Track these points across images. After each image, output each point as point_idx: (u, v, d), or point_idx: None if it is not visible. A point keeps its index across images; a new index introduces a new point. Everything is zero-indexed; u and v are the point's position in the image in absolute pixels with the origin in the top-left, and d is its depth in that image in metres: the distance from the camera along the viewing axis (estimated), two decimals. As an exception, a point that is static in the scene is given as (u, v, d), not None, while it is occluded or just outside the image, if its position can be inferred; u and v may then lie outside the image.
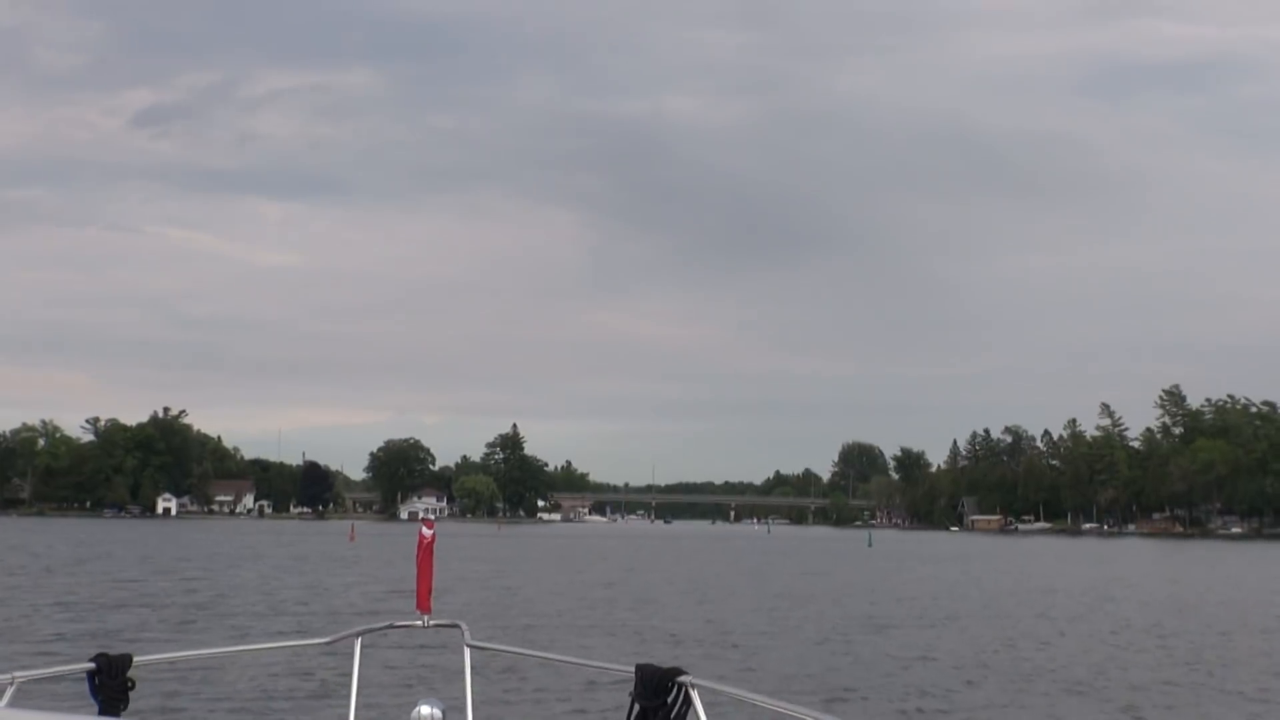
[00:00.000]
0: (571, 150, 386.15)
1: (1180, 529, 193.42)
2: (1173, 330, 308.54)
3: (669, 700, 4.57)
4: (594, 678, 20.46)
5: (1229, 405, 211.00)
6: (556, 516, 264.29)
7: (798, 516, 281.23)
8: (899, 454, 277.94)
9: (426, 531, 6.09)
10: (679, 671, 4.46)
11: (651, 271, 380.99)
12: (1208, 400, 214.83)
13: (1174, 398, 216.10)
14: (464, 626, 5.56)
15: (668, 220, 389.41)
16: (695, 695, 4.43)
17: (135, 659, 4.78)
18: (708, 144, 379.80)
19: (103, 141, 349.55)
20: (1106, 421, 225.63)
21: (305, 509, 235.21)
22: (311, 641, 6.83)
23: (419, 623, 5.68)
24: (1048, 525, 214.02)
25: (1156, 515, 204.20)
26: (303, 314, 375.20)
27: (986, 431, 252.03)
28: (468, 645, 5.46)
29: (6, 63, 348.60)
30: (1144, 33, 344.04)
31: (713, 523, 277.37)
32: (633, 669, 4.59)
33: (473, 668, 5.29)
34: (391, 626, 6.03)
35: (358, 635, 5.72)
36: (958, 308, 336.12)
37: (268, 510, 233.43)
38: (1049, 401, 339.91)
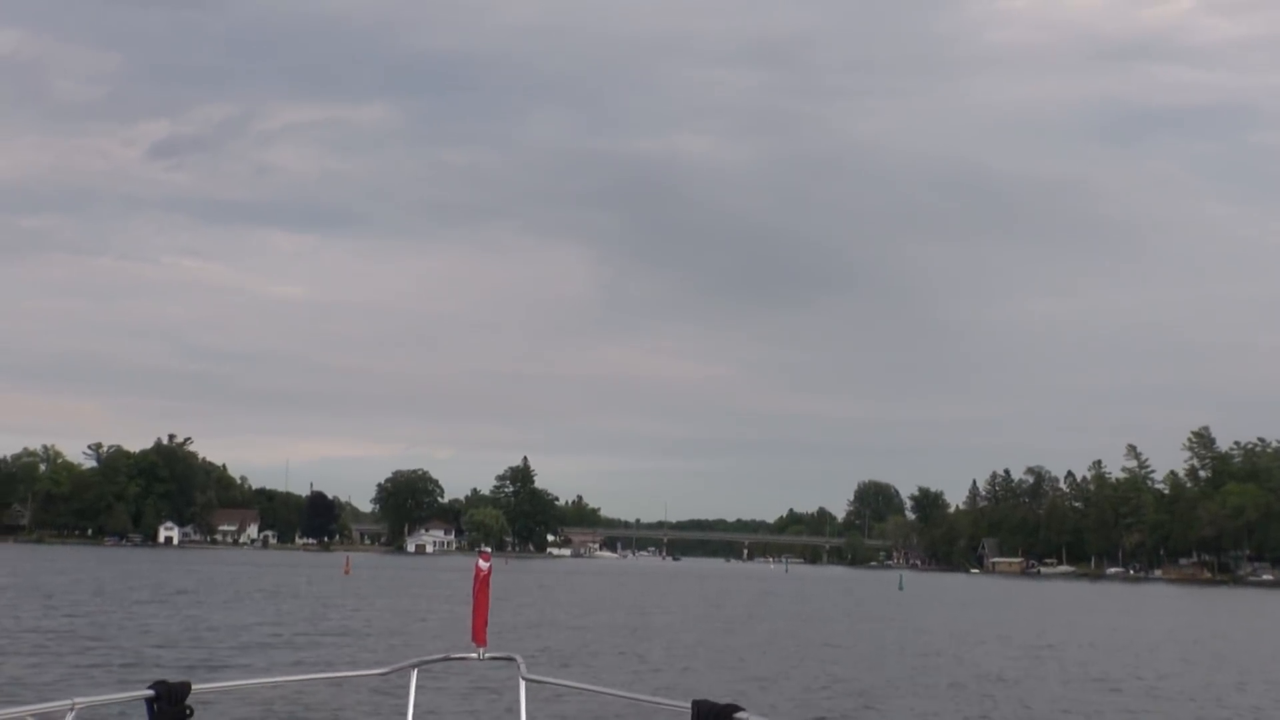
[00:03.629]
0: (584, 188, 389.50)
1: (1208, 575, 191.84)
2: (1189, 375, 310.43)
3: None
4: (649, 714, 20.56)
5: (1259, 448, 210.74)
6: (566, 551, 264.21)
7: (812, 556, 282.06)
8: (916, 494, 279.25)
9: (483, 564, 6.16)
10: (736, 708, 4.41)
11: (663, 309, 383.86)
12: (1236, 443, 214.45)
13: (1203, 440, 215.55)
14: (520, 660, 5.60)
15: (679, 258, 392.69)
16: None
17: (194, 687, 4.77)
18: (720, 184, 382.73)
19: (119, 172, 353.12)
20: (1133, 463, 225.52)
21: (310, 540, 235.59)
22: (368, 672, 6.84)
23: (474, 655, 5.75)
24: (1070, 569, 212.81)
25: (1183, 560, 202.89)
26: (313, 346, 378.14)
27: (1007, 472, 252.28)
28: (523, 679, 5.51)
29: (25, 93, 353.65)
30: (1158, 78, 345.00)
31: (726, 560, 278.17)
32: (689, 705, 4.53)
33: (528, 701, 5.31)
34: (447, 659, 6.10)
35: (414, 666, 5.78)
36: (969, 350, 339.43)
37: (272, 541, 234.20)
38: (1067, 445, 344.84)
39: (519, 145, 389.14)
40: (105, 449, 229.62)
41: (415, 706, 5.61)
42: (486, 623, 6.05)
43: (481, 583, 6.10)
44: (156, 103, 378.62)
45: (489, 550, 9.47)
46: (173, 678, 4.89)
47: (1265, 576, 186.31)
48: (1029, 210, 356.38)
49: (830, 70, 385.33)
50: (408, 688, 5.70)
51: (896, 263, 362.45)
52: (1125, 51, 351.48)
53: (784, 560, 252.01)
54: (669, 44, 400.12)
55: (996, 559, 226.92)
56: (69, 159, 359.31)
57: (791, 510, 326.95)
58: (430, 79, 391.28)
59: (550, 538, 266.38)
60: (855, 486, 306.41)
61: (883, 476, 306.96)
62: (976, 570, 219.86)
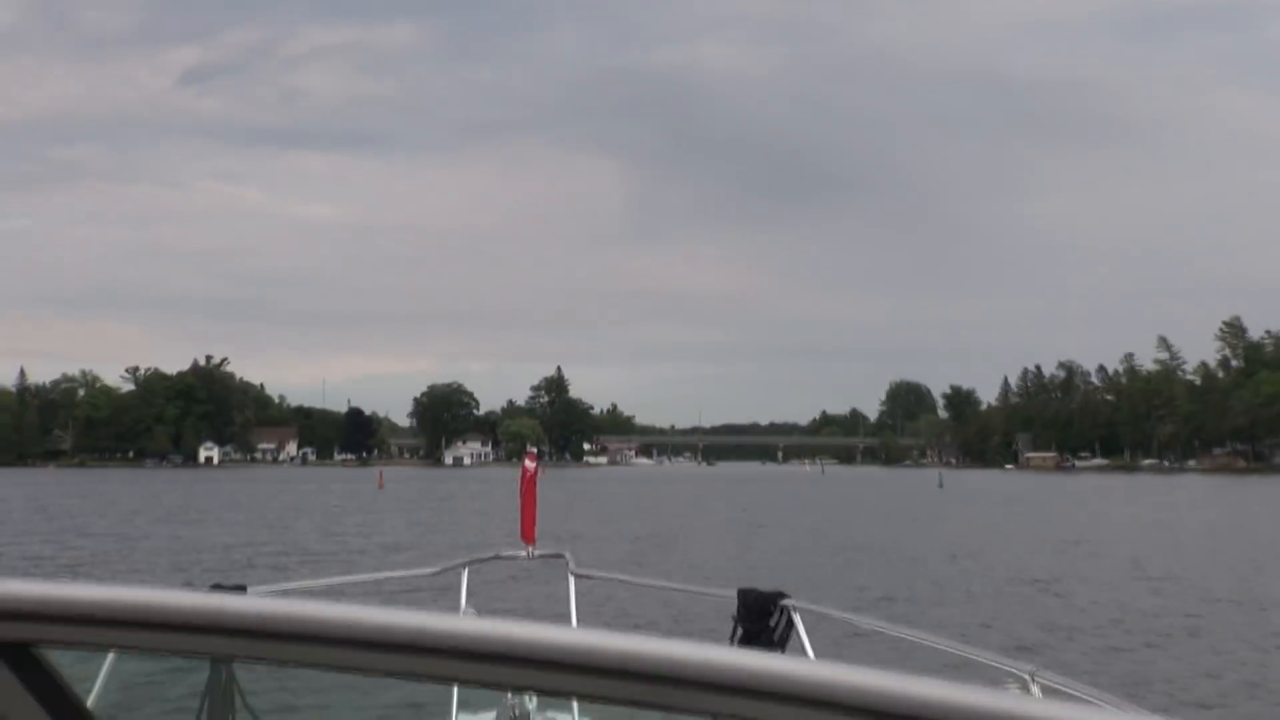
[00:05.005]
0: (610, 100, 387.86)
1: (1243, 464, 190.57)
2: (1216, 268, 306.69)
3: (772, 623, 4.73)
4: (696, 603, 20.77)
5: None
6: (603, 459, 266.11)
7: (846, 457, 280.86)
8: (948, 392, 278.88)
9: (529, 465, 6.45)
10: (782, 595, 4.58)
11: (692, 218, 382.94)
12: (1267, 332, 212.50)
13: (1234, 329, 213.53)
14: (568, 556, 5.79)
15: (706, 168, 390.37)
16: (798, 618, 4.62)
17: (249, 589, 4.99)
18: (743, 93, 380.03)
19: (150, 100, 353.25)
20: (1164, 355, 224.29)
21: (349, 455, 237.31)
22: (420, 572, 7.21)
23: (524, 553, 6.00)
24: (1105, 462, 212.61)
25: (1217, 450, 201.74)
26: (348, 266, 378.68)
27: (1038, 368, 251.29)
28: (572, 574, 5.68)
29: (54, 24, 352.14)
30: None
31: (762, 463, 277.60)
32: (734, 593, 4.75)
33: (577, 596, 5.52)
34: (498, 557, 6.31)
35: (465, 565, 5.97)
36: (995, 249, 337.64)
37: (311, 458, 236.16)
38: (1098, 340, 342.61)
39: (545, 60, 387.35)
40: (143, 372, 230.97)
41: (467, 603, 5.79)
42: (535, 521, 6.24)
43: (528, 483, 6.32)
44: (184, 30, 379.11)
45: (535, 451, 9.56)
46: (227, 582, 5.33)
47: None
48: (1049, 110, 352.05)
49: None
50: (459, 586, 5.88)
51: (919, 165, 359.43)
52: None
53: (819, 461, 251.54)
54: None
55: (1030, 454, 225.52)
56: (100, 89, 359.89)
57: (824, 412, 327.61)
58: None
59: (586, 446, 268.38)
60: (887, 387, 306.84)
61: (914, 376, 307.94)
62: (1011, 466, 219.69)
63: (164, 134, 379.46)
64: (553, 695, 4.16)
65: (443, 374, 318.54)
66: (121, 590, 1.27)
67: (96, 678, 3.25)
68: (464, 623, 1.21)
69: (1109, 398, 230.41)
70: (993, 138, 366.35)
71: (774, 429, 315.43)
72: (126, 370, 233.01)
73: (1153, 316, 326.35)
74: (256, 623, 1.23)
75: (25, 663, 1.28)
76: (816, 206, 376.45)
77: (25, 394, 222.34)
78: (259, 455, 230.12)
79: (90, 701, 1.83)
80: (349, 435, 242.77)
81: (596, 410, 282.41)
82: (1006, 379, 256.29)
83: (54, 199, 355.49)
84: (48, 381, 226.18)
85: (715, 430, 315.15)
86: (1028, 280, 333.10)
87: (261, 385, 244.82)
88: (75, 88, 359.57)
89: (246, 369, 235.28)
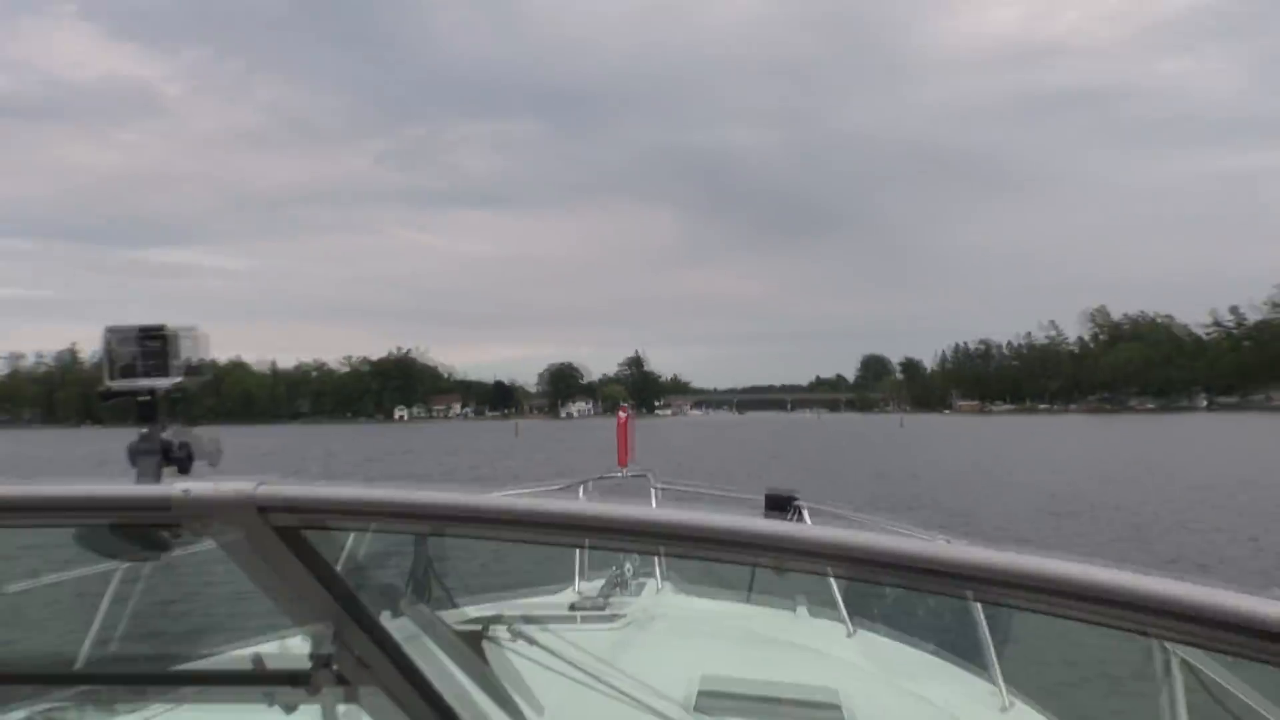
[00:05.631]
0: (667, 168, 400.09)
1: (1108, 408, 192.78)
2: (1088, 274, 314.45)
3: (788, 517, 4.45)
4: (738, 503, 27.69)
5: (1140, 318, 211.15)
6: (668, 411, 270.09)
7: (833, 407, 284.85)
8: (903, 361, 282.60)
9: (622, 415, 6.75)
10: (794, 496, 4.51)
11: (724, 248, 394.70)
12: (1125, 315, 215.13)
13: (1101, 314, 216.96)
14: (651, 474, 5.70)
15: (733, 213, 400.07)
16: (806, 512, 4.47)
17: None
18: (758, 159, 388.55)
19: (356, 175, 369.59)
20: (1053, 333, 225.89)
21: (496, 412, 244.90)
22: (549, 487, 6.57)
23: (619, 474, 5.96)
24: (1012, 407, 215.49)
25: (1091, 397, 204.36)
26: (496, 285, 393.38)
27: (965, 343, 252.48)
28: (654, 486, 5.62)
29: (292, 128, 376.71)
30: (1053, 72, 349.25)
31: (775, 412, 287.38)
32: (763, 496, 4.67)
33: (659, 503, 5.13)
34: (602, 477, 6.00)
35: (579, 483, 5.83)
36: (935, 263, 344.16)
37: (470, 415, 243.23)
38: (1006, 322, 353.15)
39: (622, 141, 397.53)
40: (355, 359, 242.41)
41: None
42: (627, 451, 6.36)
43: (621, 427, 6.53)
44: (376, 127, 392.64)
45: (627, 405, 9.74)
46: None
47: (1149, 406, 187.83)
48: (971, 167, 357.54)
49: (829, 79, 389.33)
50: (576, 496, 5.53)
51: (882, 207, 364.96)
52: (1032, 52, 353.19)
53: (815, 410, 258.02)
54: (719, 65, 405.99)
55: (961, 403, 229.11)
56: (322, 168, 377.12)
57: (818, 376, 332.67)
58: (561, 99, 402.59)
59: (656, 403, 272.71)
60: (860, 358, 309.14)
61: (878, 351, 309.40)
62: (948, 411, 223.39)
63: (367, 198, 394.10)
64: (644, 555, 4.76)
65: (559, 355, 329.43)
66: (359, 489, 1.63)
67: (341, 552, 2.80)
68: (584, 505, 1.26)
69: (1014, 363, 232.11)
70: (932, 187, 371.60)
71: (784, 389, 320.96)
72: (344, 358, 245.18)
73: (1043, 306, 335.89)
74: (452, 510, 1.68)
75: (298, 543, 1.39)
76: (809, 238, 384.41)
77: (276, 375, 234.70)
78: (434, 414, 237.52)
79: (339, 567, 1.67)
80: (496, 398, 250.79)
81: (663, 378, 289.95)
82: (944, 351, 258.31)
83: (296, 244, 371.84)
84: (291, 366, 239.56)
85: (744, 390, 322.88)
86: (957, 283, 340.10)
87: (436, 366, 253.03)
88: (307, 167, 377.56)
89: (426, 355, 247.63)
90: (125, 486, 1.39)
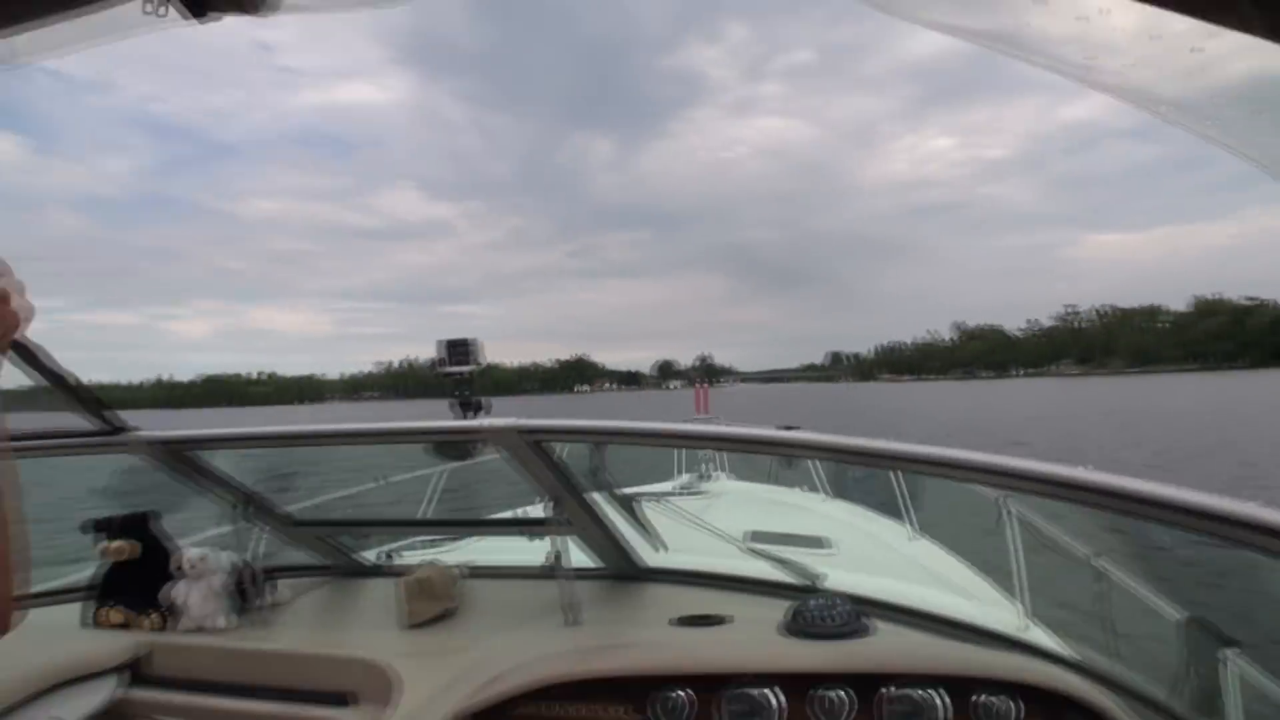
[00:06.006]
0: (717, 254, 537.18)
1: (966, 377, 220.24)
2: (952, 303, 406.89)
3: None
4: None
5: (983, 326, 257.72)
6: (725, 386, 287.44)
7: (811, 380, 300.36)
8: (850, 353, 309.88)
9: (699, 387, 8.13)
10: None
11: (749, 296, 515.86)
12: (975, 325, 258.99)
13: (961, 324, 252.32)
14: (721, 418, 6.02)
15: (753, 276, 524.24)
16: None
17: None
18: (767, 247, 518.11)
19: (552, 264, 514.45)
20: (934, 336, 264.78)
21: (627, 387, 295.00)
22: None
23: (700, 417, 6.51)
24: (912, 377, 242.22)
25: (956, 371, 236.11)
26: (628, 318, 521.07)
27: (891, 341, 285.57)
28: (718, 422, 5.12)
29: (515, 238, 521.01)
30: (928, 192, 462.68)
31: (782, 384, 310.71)
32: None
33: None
34: (690, 420, 5.77)
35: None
36: (870, 300, 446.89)
37: (615, 389, 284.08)
38: (913, 329, 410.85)
39: (689, 239, 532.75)
40: (558, 360, 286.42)
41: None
42: (703, 405, 7.39)
43: (700, 392, 7.83)
44: (563, 237, 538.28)
45: (705, 382, 11.75)
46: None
47: (988, 375, 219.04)
48: (884, 247, 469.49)
49: (806, 200, 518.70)
50: None
51: (837, 271, 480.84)
52: (913, 185, 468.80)
53: (798, 382, 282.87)
54: (746, 197, 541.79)
55: (885, 376, 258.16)
56: (534, 261, 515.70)
57: (801, 363, 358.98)
58: (661, 217, 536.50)
59: (718, 380, 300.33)
60: (826, 352, 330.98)
61: (836, 348, 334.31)
62: (876, 380, 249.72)
63: (558, 275, 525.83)
64: (719, 451, 5.34)
65: (663, 355, 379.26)
66: (571, 421, 2.03)
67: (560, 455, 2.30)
68: (683, 425, 1.99)
69: (914, 352, 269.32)
70: (865, 258, 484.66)
71: (786, 370, 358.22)
72: (555, 360, 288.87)
73: (928, 321, 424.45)
74: (625, 430, 2.05)
75: (539, 450, 2.09)
76: (796, 289, 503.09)
77: (513, 370, 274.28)
78: (595, 389, 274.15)
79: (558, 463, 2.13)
80: (628, 380, 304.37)
81: (721, 365, 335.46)
82: (875, 347, 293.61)
83: (521, 301, 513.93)
84: (519, 365, 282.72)
85: (765, 371, 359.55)
86: (881, 310, 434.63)
87: (596, 363, 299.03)
88: (527, 260, 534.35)
89: (590, 357, 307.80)
90: (455, 422, 2.08)
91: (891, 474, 4.41)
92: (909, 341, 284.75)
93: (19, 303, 0.90)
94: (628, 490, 2.63)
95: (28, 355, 1.82)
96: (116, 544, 2.34)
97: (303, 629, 2.27)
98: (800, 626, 1.88)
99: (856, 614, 1.90)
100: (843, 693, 1.65)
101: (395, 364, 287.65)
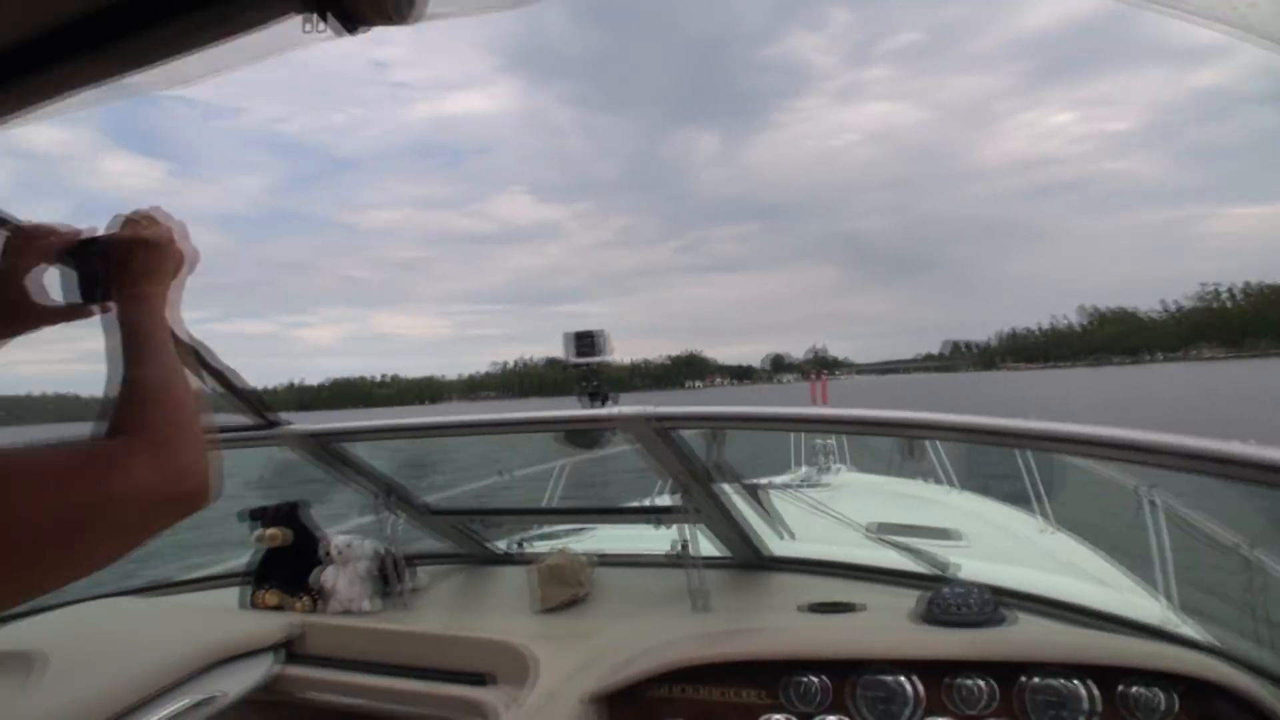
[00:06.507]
0: (828, 244, 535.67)
1: (1096, 363, 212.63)
2: (1080, 285, 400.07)
3: None
4: None
5: (1115, 310, 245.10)
6: (840, 377, 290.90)
7: (929, 371, 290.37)
8: (971, 343, 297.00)
9: (816, 378, 49.80)
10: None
11: (862, 286, 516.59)
12: (1106, 308, 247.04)
13: (1091, 308, 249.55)
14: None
15: (866, 266, 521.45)
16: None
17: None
18: (879, 235, 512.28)
19: (661, 260, 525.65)
20: (1061, 321, 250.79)
21: (740, 381, 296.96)
22: None
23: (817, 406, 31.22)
24: (1039, 365, 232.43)
25: (1088, 358, 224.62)
26: (738, 312, 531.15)
27: (1009, 329, 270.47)
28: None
29: (643, 236, 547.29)
30: (1049, 170, 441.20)
31: (898, 375, 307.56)
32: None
33: None
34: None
35: None
36: (987, 286, 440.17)
37: (727, 383, 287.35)
38: (1032, 317, 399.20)
39: (801, 232, 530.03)
40: (662, 358, 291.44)
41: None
42: (822, 398, 10.77)
43: (818, 384, 19.90)
44: (671, 233, 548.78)
45: (826, 374, 49.96)
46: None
47: (1123, 361, 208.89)
48: (1002, 230, 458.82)
49: (919, 185, 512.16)
50: None
51: (951, 257, 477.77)
52: (1033, 164, 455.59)
53: (916, 372, 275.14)
54: (857, 185, 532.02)
55: (1007, 364, 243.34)
56: (644, 259, 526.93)
57: (917, 353, 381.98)
58: (769, 210, 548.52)
59: (833, 373, 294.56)
60: (944, 342, 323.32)
61: (956, 337, 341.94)
62: (998, 369, 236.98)
63: (667, 272, 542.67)
64: (843, 435, 5.34)
65: (774, 348, 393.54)
66: (697, 408, 2.04)
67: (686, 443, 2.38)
68: (814, 410, 2.08)
69: (1040, 339, 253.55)
70: (982, 242, 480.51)
71: (901, 361, 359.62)
72: (666, 357, 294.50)
73: (1054, 305, 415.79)
74: (751, 416, 2.06)
75: (668, 438, 2.09)
76: (910, 277, 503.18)
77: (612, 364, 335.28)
78: (708, 384, 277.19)
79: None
80: (740, 374, 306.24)
81: (833, 358, 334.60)
82: (997, 335, 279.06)
83: (633, 298, 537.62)
84: (627, 361, 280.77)
85: (880, 363, 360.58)
86: (1000, 296, 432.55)
87: (708, 358, 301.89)
88: (636, 258, 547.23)
89: (702, 353, 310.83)
90: (588, 411, 2.13)
91: (1022, 465, 4.27)
92: (1034, 328, 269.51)
93: (186, 246, 1.05)
94: (749, 480, 2.66)
95: (198, 356, 1.97)
96: (270, 531, 2.51)
97: (441, 612, 2.38)
98: (935, 614, 1.85)
99: (994, 602, 1.86)
100: (982, 682, 1.62)
101: (510, 364, 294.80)
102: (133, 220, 1.04)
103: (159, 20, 0.91)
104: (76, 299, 1.06)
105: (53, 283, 1.07)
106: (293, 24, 0.88)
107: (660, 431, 2.04)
